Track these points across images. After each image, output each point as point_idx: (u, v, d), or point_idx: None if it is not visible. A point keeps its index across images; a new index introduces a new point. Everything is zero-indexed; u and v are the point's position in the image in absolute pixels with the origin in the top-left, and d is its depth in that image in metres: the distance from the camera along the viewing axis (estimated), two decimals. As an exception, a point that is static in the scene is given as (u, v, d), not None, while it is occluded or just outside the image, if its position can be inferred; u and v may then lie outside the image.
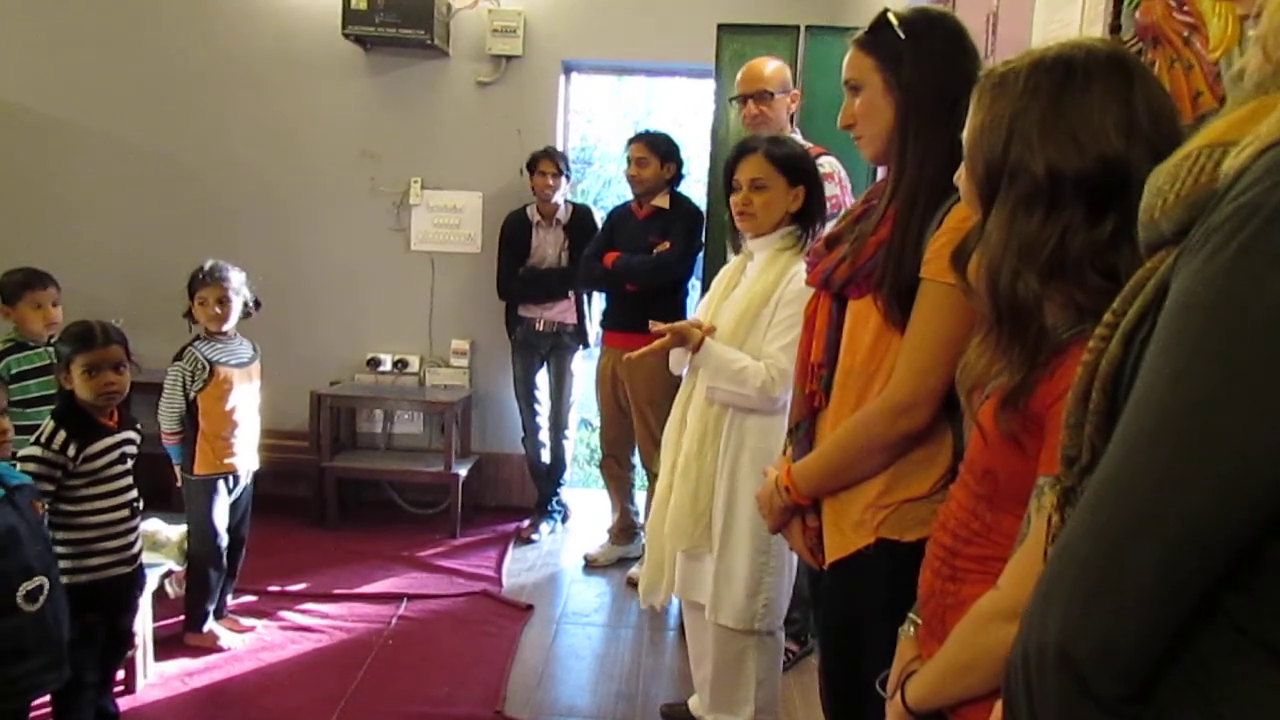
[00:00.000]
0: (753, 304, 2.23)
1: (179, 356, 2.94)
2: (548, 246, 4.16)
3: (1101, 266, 0.94)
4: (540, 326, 4.17)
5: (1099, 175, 0.94)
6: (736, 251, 2.46)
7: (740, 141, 2.47)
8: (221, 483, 2.99)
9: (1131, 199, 0.84)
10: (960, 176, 1.10)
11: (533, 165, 4.07)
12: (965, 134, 1.06)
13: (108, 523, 2.35)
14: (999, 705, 0.84)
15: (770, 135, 2.45)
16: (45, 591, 1.95)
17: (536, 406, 4.25)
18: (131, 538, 2.42)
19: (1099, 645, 0.61)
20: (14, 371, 2.86)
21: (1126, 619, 0.61)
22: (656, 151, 3.71)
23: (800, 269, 2.20)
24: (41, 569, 1.95)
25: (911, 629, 1.21)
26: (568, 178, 4.12)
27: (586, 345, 4.24)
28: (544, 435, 4.28)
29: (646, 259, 3.64)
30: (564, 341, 4.19)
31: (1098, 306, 0.85)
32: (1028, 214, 0.97)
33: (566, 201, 4.17)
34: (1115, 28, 1.59)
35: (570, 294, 4.14)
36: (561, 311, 4.17)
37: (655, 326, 2.30)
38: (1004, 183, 0.99)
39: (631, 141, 3.80)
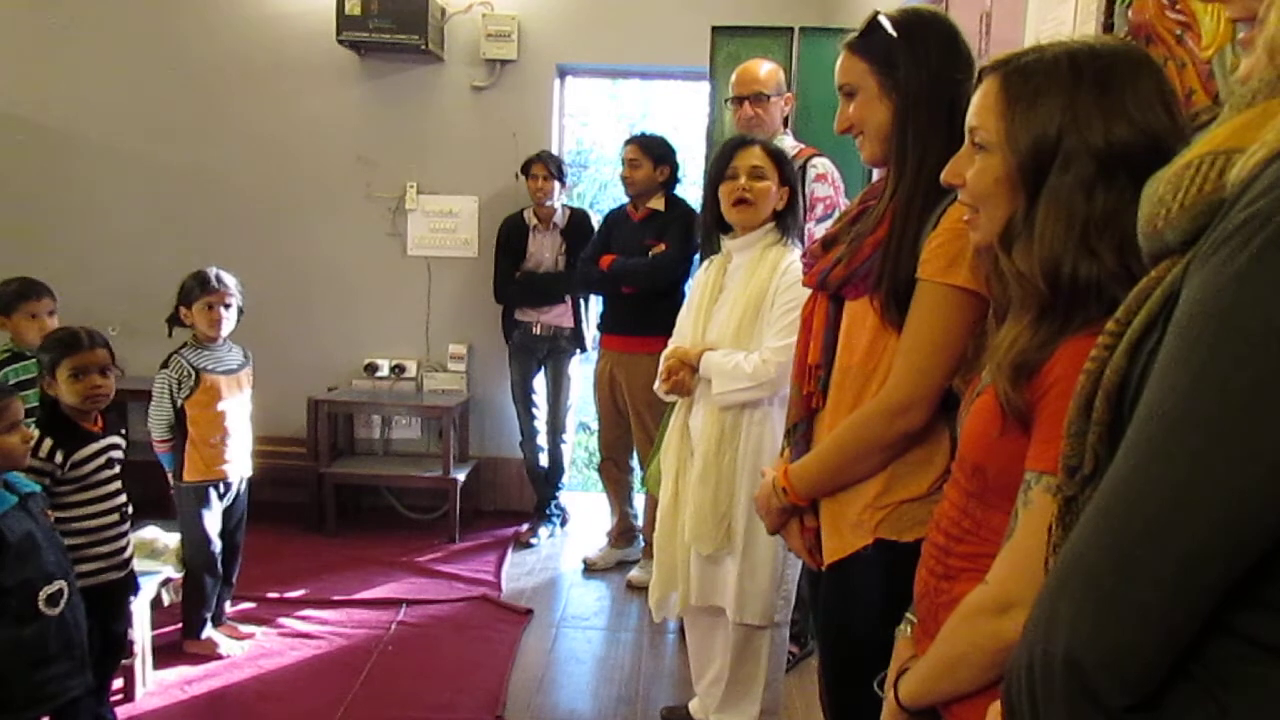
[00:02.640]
0: (752, 302, 2.24)
1: (165, 364, 2.94)
2: (544, 250, 4.16)
3: None
4: (537, 330, 4.16)
5: (1149, 151, 0.95)
6: (713, 252, 2.45)
7: (733, 137, 2.49)
8: (212, 490, 2.98)
9: None
10: (965, 172, 1.09)
11: (527, 169, 4.07)
12: (990, 123, 1.04)
13: (98, 528, 2.35)
14: (995, 707, 0.84)
15: (758, 137, 2.47)
16: (65, 596, 1.96)
17: (534, 410, 4.25)
18: (122, 543, 2.42)
19: (1109, 655, 0.61)
20: (11, 382, 2.85)
21: (1138, 630, 0.60)
22: (649, 154, 3.71)
23: (792, 257, 2.23)
24: (60, 574, 1.97)
25: (908, 628, 1.22)
26: (563, 182, 4.12)
27: (584, 349, 4.24)
28: (542, 439, 4.27)
29: (642, 261, 3.64)
30: (561, 345, 4.19)
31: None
32: (1087, 194, 0.97)
33: (564, 205, 4.17)
34: (1108, 27, 1.59)
35: (567, 298, 4.14)
36: (558, 315, 4.16)
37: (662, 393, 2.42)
38: (1056, 166, 0.99)
39: (626, 143, 3.81)
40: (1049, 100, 0.99)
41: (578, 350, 4.23)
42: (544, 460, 4.28)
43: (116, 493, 2.40)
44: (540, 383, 4.25)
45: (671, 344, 2.45)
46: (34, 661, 1.91)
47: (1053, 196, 0.99)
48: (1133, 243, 0.94)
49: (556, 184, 4.06)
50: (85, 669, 2.04)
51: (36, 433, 2.28)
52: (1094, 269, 0.96)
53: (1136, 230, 0.94)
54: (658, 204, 3.76)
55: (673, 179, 3.79)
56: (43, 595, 1.91)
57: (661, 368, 2.39)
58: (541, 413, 4.26)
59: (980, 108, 1.06)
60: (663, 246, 3.64)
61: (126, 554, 2.43)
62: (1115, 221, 0.95)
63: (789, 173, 2.32)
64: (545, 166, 4.04)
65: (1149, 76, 1.00)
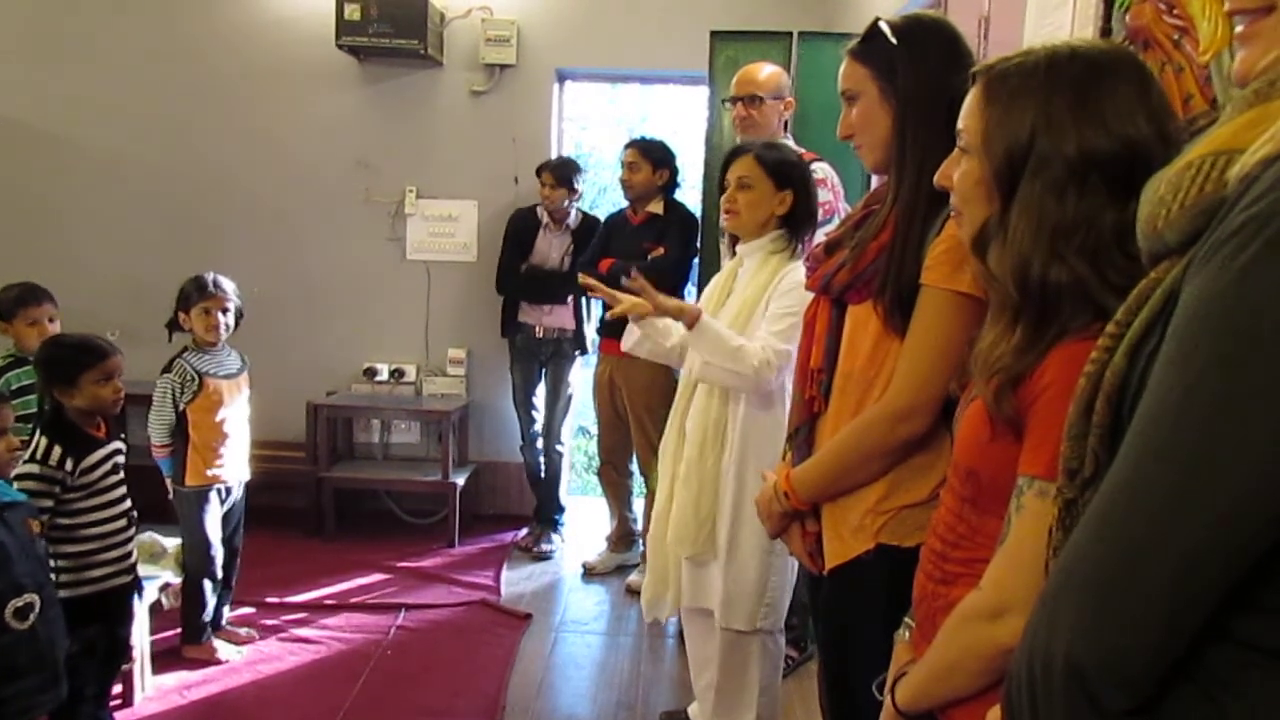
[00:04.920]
0: (746, 306, 2.24)
1: (168, 368, 2.94)
2: (552, 250, 4.15)
3: (1126, 249, 0.94)
4: (539, 334, 4.16)
5: (1125, 159, 0.95)
6: (732, 255, 2.47)
7: (733, 146, 2.50)
8: (214, 493, 2.99)
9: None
10: (952, 174, 1.10)
11: (538, 174, 4.09)
12: (972, 126, 1.05)
13: (107, 533, 2.34)
14: (994, 711, 0.84)
15: (765, 140, 2.47)
16: (36, 610, 1.91)
17: (535, 415, 4.24)
18: (129, 547, 2.41)
19: (1109, 658, 0.61)
20: (13, 387, 2.85)
21: (1137, 633, 0.60)
22: (649, 157, 3.72)
23: (791, 268, 2.21)
24: (33, 587, 1.92)
25: (907, 633, 1.22)
26: (570, 189, 4.05)
27: (585, 351, 4.23)
28: (542, 447, 4.26)
29: (642, 265, 3.63)
30: (564, 349, 4.18)
31: (1126, 286, 0.86)
32: (1058, 199, 0.97)
33: (577, 209, 4.16)
34: (1106, 31, 1.60)
35: (569, 299, 4.13)
36: (561, 317, 4.15)
37: (633, 282, 2.23)
38: (1029, 170, 0.99)
39: (626, 147, 3.82)
40: (1023, 104, 1.00)
41: (579, 353, 4.22)
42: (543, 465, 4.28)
43: (123, 498, 2.41)
44: (541, 387, 4.25)
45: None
46: (0, 675, 1.87)
47: (1024, 200, 0.99)
48: (1107, 249, 0.95)
49: (563, 191, 4.04)
50: (59, 684, 1.99)
51: (42, 440, 2.28)
52: (1062, 274, 0.96)
53: (1111, 236, 0.95)
54: (657, 208, 3.76)
55: (672, 183, 3.79)
56: (10, 608, 1.87)
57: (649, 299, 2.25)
58: (541, 416, 4.26)
59: (965, 111, 1.07)
60: (661, 250, 3.65)
61: (133, 559, 2.43)
62: (1088, 227, 0.95)
63: (789, 176, 2.28)
64: (551, 174, 4.03)
65: (1131, 83, 0.99)
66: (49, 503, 2.23)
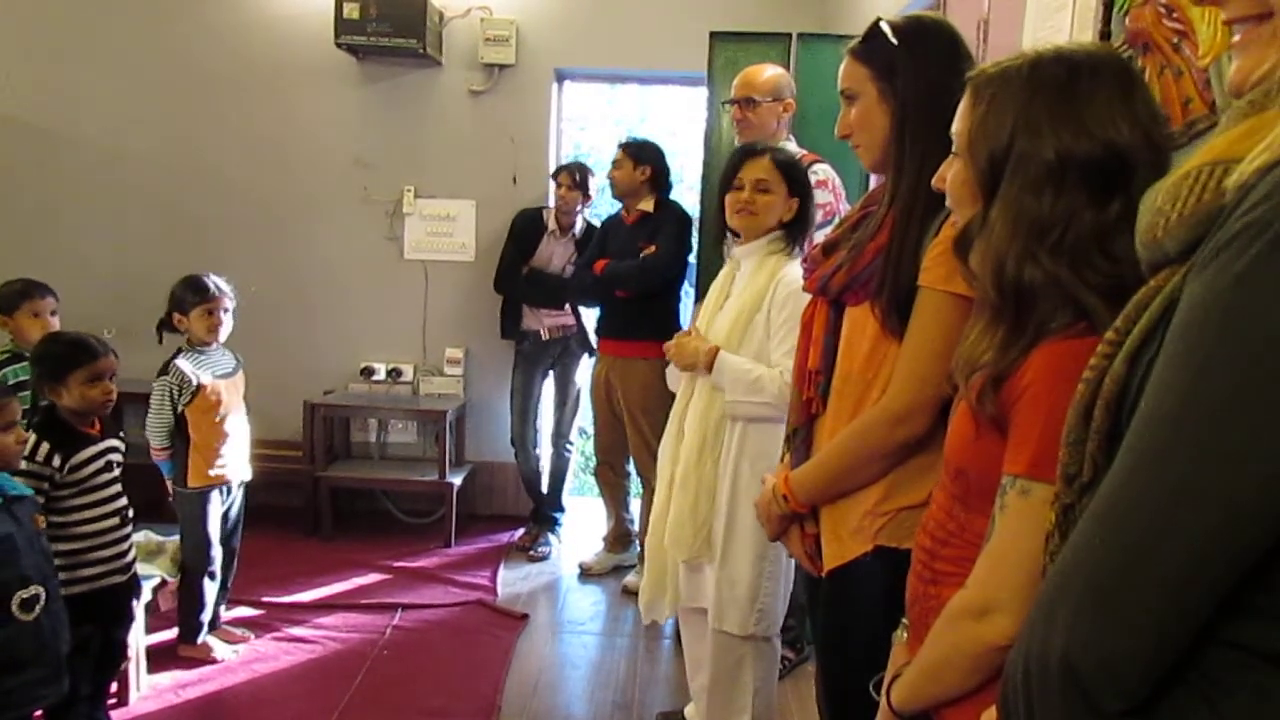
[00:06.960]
0: (745, 310, 2.24)
1: (163, 371, 2.93)
2: (554, 256, 4.14)
3: (1106, 249, 0.96)
4: (546, 336, 4.15)
5: (1105, 161, 0.97)
6: (717, 257, 2.47)
7: (743, 145, 2.50)
8: (215, 494, 2.98)
9: (1133, 186, 0.89)
10: (947, 175, 1.12)
11: (555, 175, 4.08)
12: (961, 129, 1.07)
13: (99, 531, 2.34)
14: (990, 713, 0.85)
15: (770, 145, 2.47)
16: (42, 602, 1.94)
17: (529, 418, 4.22)
18: (125, 546, 2.41)
19: (1106, 660, 0.61)
20: (11, 382, 2.84)
21: (1135, 635, 0.60)
22: (630, 154, 3.73)
23: (788, 270, 2.22)
24: (39, 579, 1.94)
25: (903, 634, 1.23)
26: (586, 193, 4.04)
27: (592, 352, 4.19)
28: (540, 450, 4.25)
29: (633, 263, 3.64)
30: (571, 349, 4.18)
31: (1104, 286, 0.85)
32: (1036, 197, 0.98)
33: (583, 218, 4.15)
34: (1105, 34, 1.60)
35: (566, 305, 4.13)
36: (563, 317, 4.15)
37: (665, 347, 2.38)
38: (1008, 171, 1.01)
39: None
40: (1004, 106, 1.02)
41: (585, 354, 4.20)
42: (544, 467, 4.27)
43: (116, 496, 2.40)
44: (545, 390, 4.24)
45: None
46: (3, 666, 1.88)
47: (1004, 199, 1.01)
48: (1085, 248, 0.96)
49: (579, 194, 4.02)
50: (60, 678, 2.01)
51: (31, 435, 2.27)
52: (1036, 272, 0.97)
53: (1090, 236, 0.97)
54: (647, 206, 3.75)
55: (659, 180, 3.77)
56: (16, 599, 1.88)
57: (673, 342, 2.35)
58: (542, 420, 4.25)
59: (958, 114, 1.10)
60: (653, 248, 3.64)
61: (128, 558, 2.43)
62: (1065, 226, 0.97)
63: (800, 183, 2.29)
64: (569, 176, 4.03)
65: (1113, 87, 1.00)
66: (39, 499, 2.22)
